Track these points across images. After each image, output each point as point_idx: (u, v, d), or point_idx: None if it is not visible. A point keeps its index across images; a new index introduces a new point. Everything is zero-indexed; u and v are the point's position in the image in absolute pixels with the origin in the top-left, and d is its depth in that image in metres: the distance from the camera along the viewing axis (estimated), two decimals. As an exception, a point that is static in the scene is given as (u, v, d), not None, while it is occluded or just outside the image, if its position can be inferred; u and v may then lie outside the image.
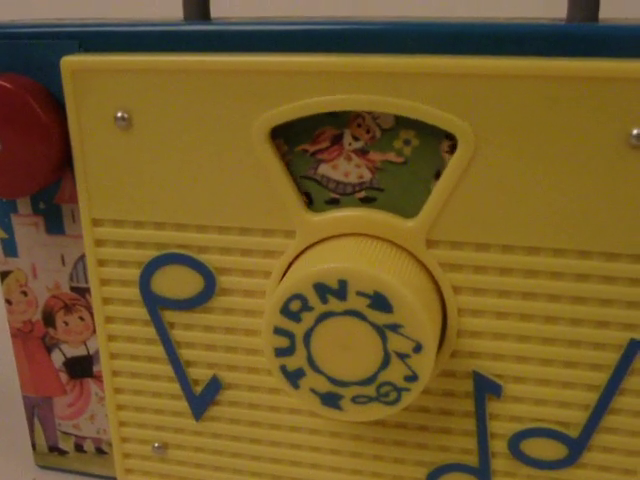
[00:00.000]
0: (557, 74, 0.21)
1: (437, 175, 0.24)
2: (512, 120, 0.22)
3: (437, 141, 0.23)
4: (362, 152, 0.24)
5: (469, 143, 0.22)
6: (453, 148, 0.23)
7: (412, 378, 0.23)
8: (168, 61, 0.24)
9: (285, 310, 0.23)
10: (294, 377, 0.24)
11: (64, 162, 0.26)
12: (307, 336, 0.23)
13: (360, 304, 0.22)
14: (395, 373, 0.23)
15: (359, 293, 0.22)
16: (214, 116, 0.24)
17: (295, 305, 0.23)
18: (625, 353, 0.24)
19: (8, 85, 0.25)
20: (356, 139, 0.24)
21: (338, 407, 0.24)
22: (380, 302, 0.22)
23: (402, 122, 0.23)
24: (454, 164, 0.23)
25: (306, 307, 0.23)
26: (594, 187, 0.22)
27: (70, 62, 0.25)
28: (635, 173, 0.22)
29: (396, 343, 0.22)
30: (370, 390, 0.24)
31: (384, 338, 0.22)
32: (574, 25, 0.23)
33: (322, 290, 0.22)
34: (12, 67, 0.26)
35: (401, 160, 0.24)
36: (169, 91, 0.24)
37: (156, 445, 0.30)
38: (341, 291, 0.22)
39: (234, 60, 0.23)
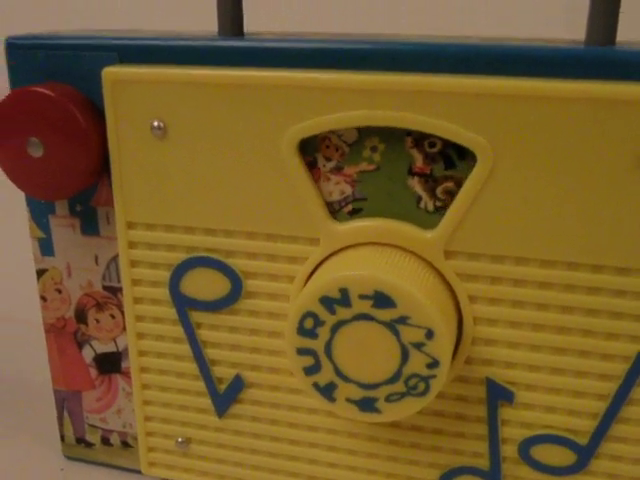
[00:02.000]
0: (572, 96, 0.22)
1: (410, 171, 0.25)
2: (529, 138, 0.23)
3: (400, 140, 0.25)
4: (337, 170, 0.26)
5: (487, 159, 0.23)
6: (416, 142, 0.24)
7: (434, 364, 0.24)
8: (202, 74, 0.25)
9: (301, 330, 0.24)
10: (328, 391, 0.25)
11: (101, 167, 0.28)
12: (328, 349, 0.25)
13: (365, 307, 0.24)
14: (417, 364, 0.24)
15: (361, 297, 0.23)
16: (245, 128, 0.25)
17: (309, 323, 0.24)
18: (633, 364, 0.25)
19: (51, 93, 0.26)
20: (328, 160, 0.26)
21: (376, 410, 0.25)
22: (382, 300, 0.23)
23: (364, 133, 0.25)
24: (472, 179, 0.24)
25: (318, 322, 0.24)
26: (606, 204, 0.23)
27: (111, 73, 0.26)
28: (646, 193, 0.23)
29: (409, 335, 0.24)
30: (400, 386, 0.24)
31: (396, 333, 0.24)
32: (591, 48, 0.24)
33: (328, 302, 0.24)
34: (55, 76, 0.27)
35: (373, 167, 0.25)
36: (203, 103, 0.25)
37: (180, 440, 0.31)
38: (344, 299, 0.24)
39: (265, 75, 0.25)
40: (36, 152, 0.27)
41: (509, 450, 0.27)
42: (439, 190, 0.25)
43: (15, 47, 0.28)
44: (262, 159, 0.26)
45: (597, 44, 0.24)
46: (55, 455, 0.35)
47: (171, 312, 0.29)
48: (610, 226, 0.23)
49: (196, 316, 0.29)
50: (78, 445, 0.34)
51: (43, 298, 0.32)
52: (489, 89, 0.23)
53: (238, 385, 0.29)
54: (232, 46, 0.26)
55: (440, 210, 0.25)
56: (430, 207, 0.25)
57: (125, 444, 0.33)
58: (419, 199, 0.25)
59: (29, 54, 0.28)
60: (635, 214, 0.23)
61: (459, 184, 0.24)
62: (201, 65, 0.26)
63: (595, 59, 0.23)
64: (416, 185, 0.25)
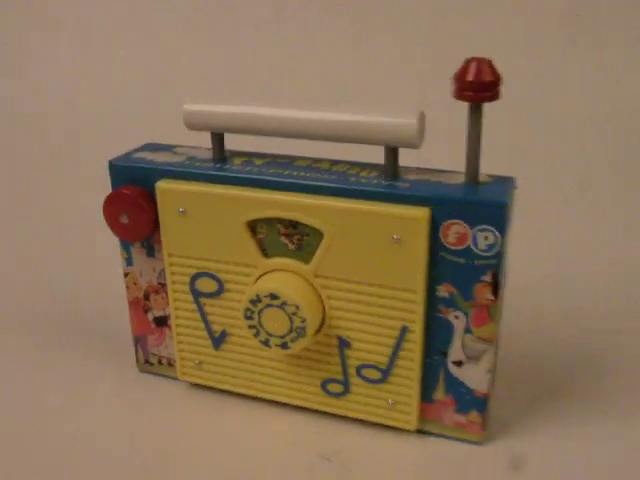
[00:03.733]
0: (365, 210, 0.49)
1: (279, 233, 0.52)
2: (348, 227, 0.50)
3: (272, 221, 0.51)
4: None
5: (329, 237, 0.50)
6: (279, 221, 0.51)
7: (304, 320, 0.51)
8: (200, 189, 0.53)
9: (246, 316, 0.52)
10: (266, 343, 0.53)
11: (156, 227, 0.56)
12: (260, 323, 0.52)
13: (268, 300, 0.51)
14: (297, 322, 0.51)
15: (265, 296, 0.51)
16: (223, 213, 0.53)
17: (248, 313, 0.52)
18: (401, 331, 0.52)
19: (128, 192, 0.54)
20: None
21: (288, 347, 0.53)
22: (274, 296, 0.51)
23: (257, 222, 0.52)
24: (323, 245, 0.51)
25: (251, 311, 0.52)
26: (381, 258, 0.50)
27: (160, 185, 0.54)
28: (396, 255, 0.49)
29: (289, 309, 0.51)
30: (294, 334, 0.52)
31: (284, 310, 0.51)
32: (376, 184, 0.50)
33: (253, 301, 0.51)
34: (131, 181, 0.55)
35: (264, 235, 0.52)
36: (202, 201, 0.53)
37: (196, 362, 0.59)
38: (258, 298, 0.51)
39: (229, 192, 0.52)
40: (124, 220, 0.55)
41: (351, 371, 0.54)
42: (294, 239, 0.52)
43: (114, 166, 0.56)
44: (231, 229, 0.53)
45: (386, 179, 0.51)
46: (132, 370, 0.64)
47: (190, 297, 0.57)
48: (383, 266, 0.50)
49: (202, 300, 0.57)
50: (145, 364, 0.63)
51: (127, 287, 0.60)
52: (330, 205, 0.50)
53: (224, 334, 0.57)
54: (214, 174, 0.53)
55: (297, 250, 0.52)
56: (292, 248, 0.52)
57: (169, 363, 0.62)
58: (287, 246, 0.52)
59: (121, 170, 0.56)
60: (392, 263, 0.50)
61: (302, 235, 0.51)
62: (202, 181, 0.53)
63: (377, 191, 0.49)
64: (284, 240, 0.52)
